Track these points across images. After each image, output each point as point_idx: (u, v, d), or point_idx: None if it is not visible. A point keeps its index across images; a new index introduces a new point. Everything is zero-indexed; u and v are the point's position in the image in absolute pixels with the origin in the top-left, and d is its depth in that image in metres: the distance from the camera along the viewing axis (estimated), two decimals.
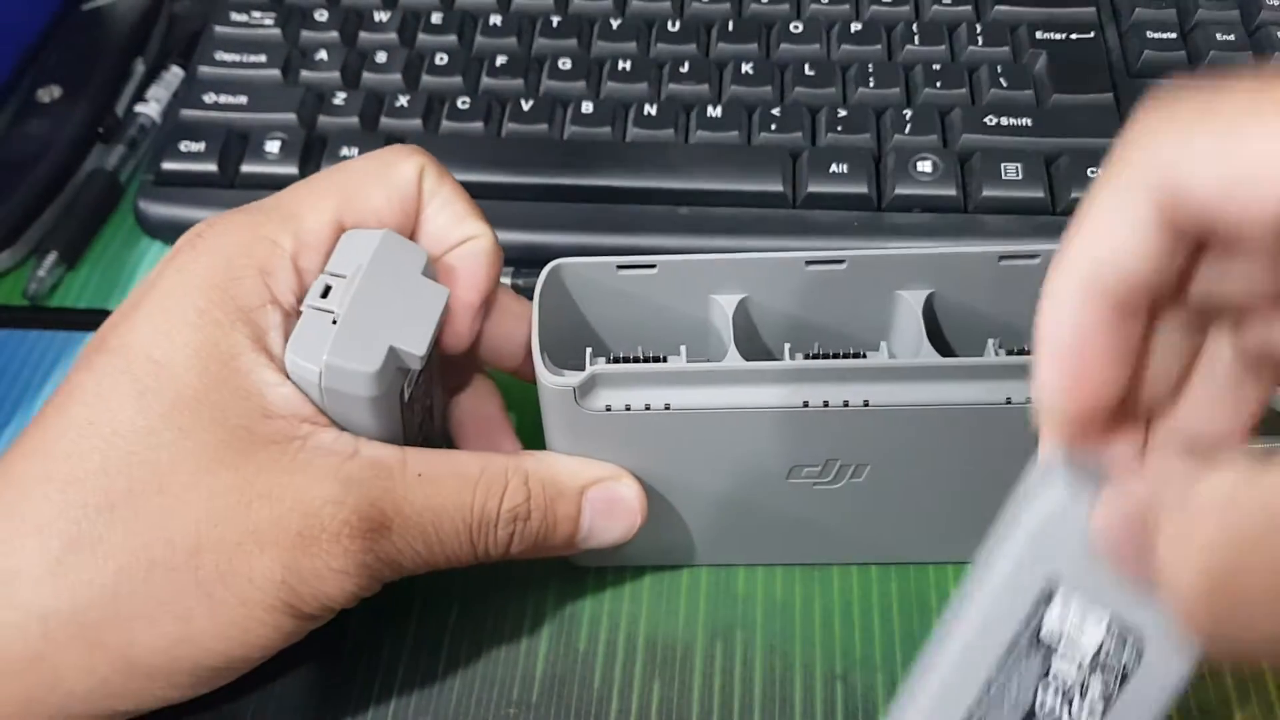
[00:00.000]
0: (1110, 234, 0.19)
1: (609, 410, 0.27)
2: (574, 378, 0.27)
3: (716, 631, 0.32)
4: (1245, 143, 0.17)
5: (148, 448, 0.25)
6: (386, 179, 0.29)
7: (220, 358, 0.26)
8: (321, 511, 0.25)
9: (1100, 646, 0.21)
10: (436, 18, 0.45)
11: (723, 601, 0.33)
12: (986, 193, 0.39)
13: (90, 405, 0.25)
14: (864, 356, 0.30)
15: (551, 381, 0.27)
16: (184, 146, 0.41)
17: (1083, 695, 0.21)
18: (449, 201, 0.30)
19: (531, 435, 0.31)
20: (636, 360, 0.29)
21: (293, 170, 0.41)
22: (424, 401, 0.30)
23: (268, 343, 0.27)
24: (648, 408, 0.27)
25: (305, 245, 0.28)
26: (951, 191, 0.39)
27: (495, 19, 0.45)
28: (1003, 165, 0.39)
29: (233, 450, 0.25)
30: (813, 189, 0.39)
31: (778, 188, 0.40)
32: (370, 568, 0.26)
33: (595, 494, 0.29)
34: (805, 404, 0.27)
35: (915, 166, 0.39)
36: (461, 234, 0.30)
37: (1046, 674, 0.21)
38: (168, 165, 0.41)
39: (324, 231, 0.28)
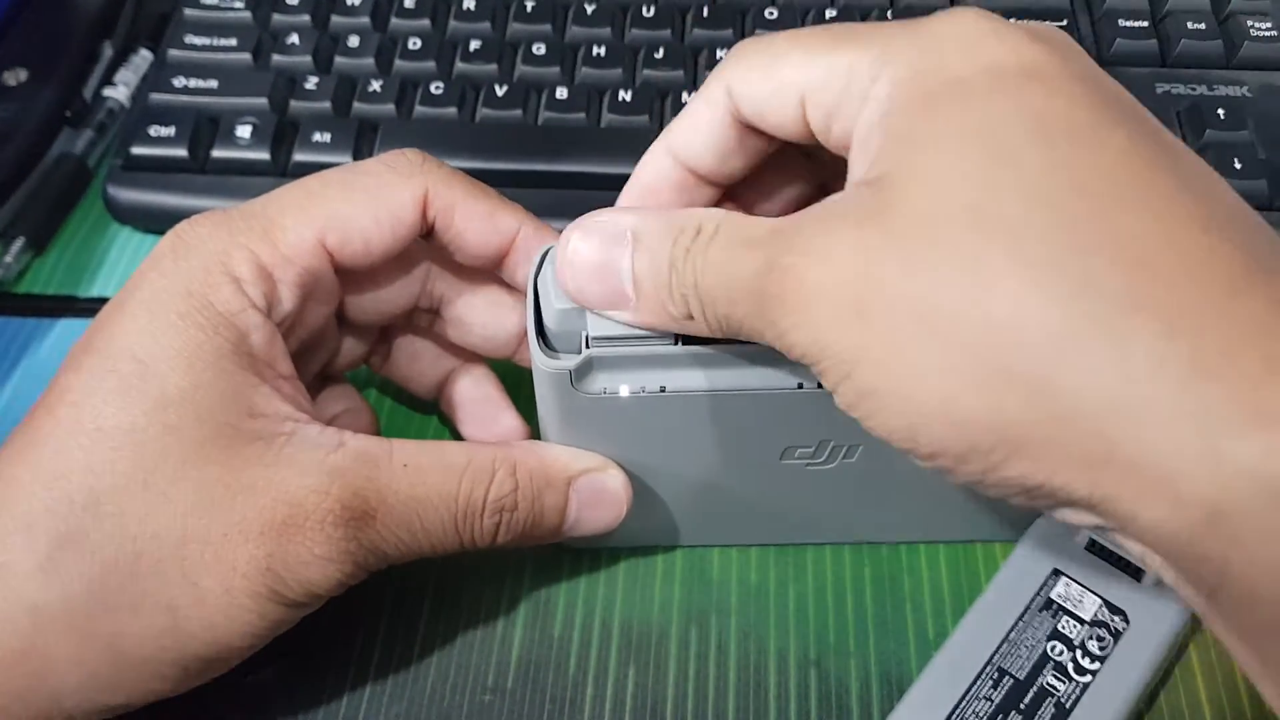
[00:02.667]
0: (691, 121, 0.27)
1: (605, 393, 0.27)
2: (569, 361, 0.27)
3: (691, 617, 0.32)
4: (780, 69, 0.25)
5: (132, 444, 0.25)
6: (379, 202, 0.29)
7: (204, 359, 0.26)
8: (306, 500, 0.25)
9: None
10: (410, 1, 0.45)
11: (697, 587, 0.33)
12: None
13: (76, 404, 0.26)
14: None
15: (547, 365, 0.27)
16: (153, 131, 0.41)
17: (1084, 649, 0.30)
18: (471, 206, 0.30)
19: (525, 419, 0.31)
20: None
21: (264, 155, 0.40)
22: None
23: (250, 344, 0.27)
24: (644, 390, 0.27)
25: (283, 257, 0.28)
26: None
27: (469, 3, 0.45)
28: None
29: (217, 446, 0.25)
30: None
31: None
32: (354, 555, 0.26)
33: (582, 484, 0.30)
34: (800, 385, 0.27)
35: None
36: (502, 231, 0.30)
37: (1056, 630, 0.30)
38: (137, 150, 0.41)
39: (304, 246, 0.28)
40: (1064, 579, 0.31)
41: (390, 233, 0.29)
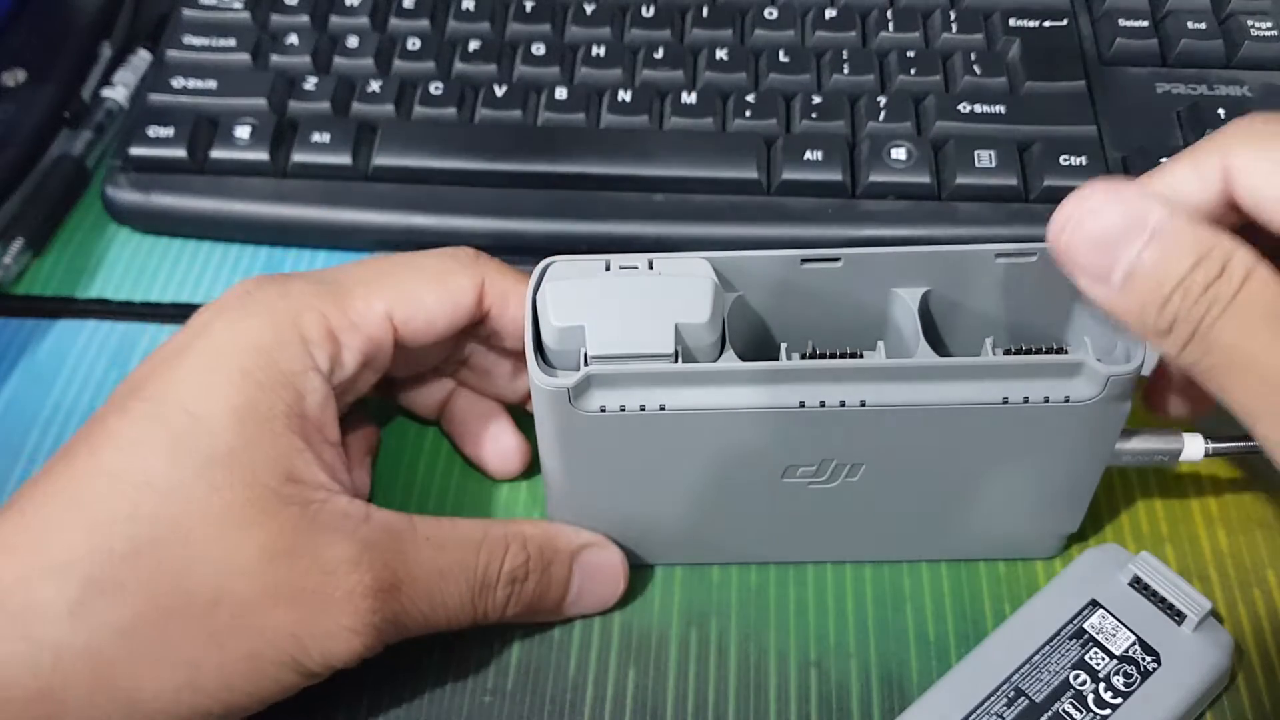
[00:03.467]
0: (1172, 188, 0.25)
1: (603, 411, 0.27)
2: (568, 378, 0.26)
3: (691, 619, 0.32)
4: None
5: (178, 500, 0.25)
6: (443, 285, 0.30)
7: (257, 419, 0.26)
8: (338, 570, 0.26)
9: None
10: (409, 1, 0.45)
11: (697, 589, 0.33)
12: (960, 180, 0.39)
13: (123, 451, 0.26)
14: (860, 356, 0.29)
15: (545, 383, 0.26)
16: (152, 132, 0.41)
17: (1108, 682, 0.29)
18: (522, 294, 0.30)
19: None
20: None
21: (263, 156, 0.40)
22: None
23: (304, 407, 0.27)
24: (643, 409, 0.27)
25: (352, 324, 0.29)
26: (925, 179, 0.39)
27: (468, 3, 0.45)
28: (976, 153, 0.39)
29: (258, 509, 0.26)
30: (787, 176, 0.39)
31: (752, 174, 0.39)
32: (379, 627, 0.27)
33: (585, 559, 0.31)
34: (801, 404, 0.27)
35: (889, 154, 0.40)
36: None
37: (1081, 660, 0.29)
38: (136, 151, 0.41)
39: (372, 316, 0.29)
40: (1101, 611, 0.30)
41: (451, 314, 0.30)
